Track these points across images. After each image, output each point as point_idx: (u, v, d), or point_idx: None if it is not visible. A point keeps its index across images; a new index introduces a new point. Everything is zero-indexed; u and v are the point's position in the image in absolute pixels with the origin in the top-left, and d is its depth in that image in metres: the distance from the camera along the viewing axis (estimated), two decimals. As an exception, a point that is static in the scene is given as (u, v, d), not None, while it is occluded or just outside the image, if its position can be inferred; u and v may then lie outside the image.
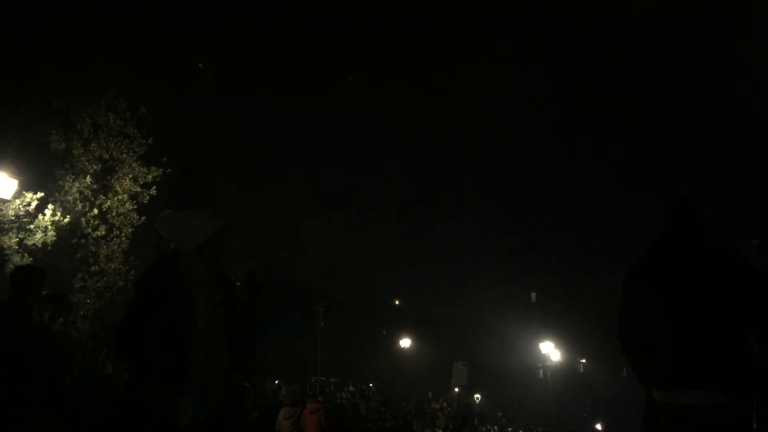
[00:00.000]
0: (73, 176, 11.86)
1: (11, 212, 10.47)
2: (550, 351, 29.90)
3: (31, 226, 10.82)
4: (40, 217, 10.96)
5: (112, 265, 12.27)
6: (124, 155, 12.65)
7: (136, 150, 12.87)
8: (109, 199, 12.39)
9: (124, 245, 12.63)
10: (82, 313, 11.65)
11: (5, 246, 10.38)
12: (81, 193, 11.93)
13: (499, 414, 27.70)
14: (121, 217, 12.58)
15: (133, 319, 2.44)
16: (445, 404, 25.49)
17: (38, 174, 11.27)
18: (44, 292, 4.09)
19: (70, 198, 11.74)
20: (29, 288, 3.76)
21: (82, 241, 11.89)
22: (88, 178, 12.02)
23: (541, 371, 30.16)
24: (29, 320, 3.74)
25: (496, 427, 21.17)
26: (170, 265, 2.58)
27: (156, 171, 13.18)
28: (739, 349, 2.30)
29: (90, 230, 12.02)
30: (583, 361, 33.59)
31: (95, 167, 12.23)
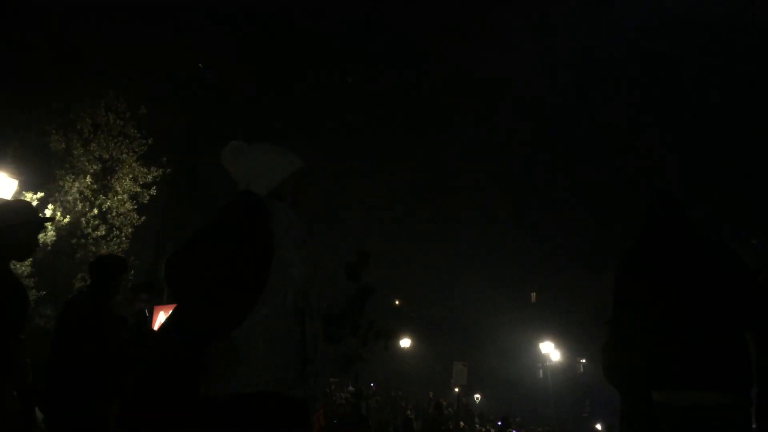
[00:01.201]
0: (73, 176, 11.88)
1: (11, 212, 10.48)
2: (550, 351, 29.90)
3: (31, 226, 10.82)
4: (40, 217, 10.97)
5: (112, 265, 12.27)
6: (124, 155, 12.67)
7: (136, 150, 12.89)
8: (109, 199, 12.41)
9: (124, 245, 12.63)
10: (82, 313, 11.65)
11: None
12: (81, 193, 11.94)
13: (517, 419, 27.57)
14: (121, 217, 12.60)
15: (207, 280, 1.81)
16: (445, 404, 25.51)
17: (38, 174, 11.29)
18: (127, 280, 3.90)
19: (70, 198, 11.76)
20: (111, 277, 3.66)
21: (82, 241, 11.90)
22: (88, 178, 12.04)
23: (541, 371, 30.16)
24: (111, 310, 3.62)
25: (492, 430, 21.16)
26: (253, 212, 1.95)
27: (156, 171, 13.19)
28: (738, 347, 2.30)
29: (90, 230, 12.02)
30: (583, 361, 33.56)
31: (95, 167, 12.25)
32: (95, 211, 12.14)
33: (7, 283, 2.81)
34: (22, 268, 10.58)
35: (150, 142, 13.16)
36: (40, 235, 10.86)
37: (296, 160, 2.17)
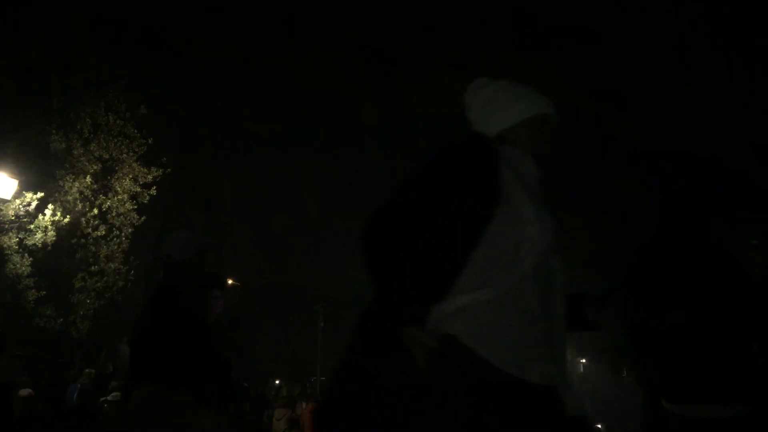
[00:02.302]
0: (73, 176, 11.87)
1: (11, 212, 10.48)
2: (550, 351, 29.89)
3: (31, 226, 10.83)
4: (40, 217, 10.97)
5: (112, 265, 12.28)
6: (124, 155, 12.66)
7: (136, 150, 12.88)
8: (109, 199, 12.41)
9: (124, 245, 12.64)
10: (82, 313, 11.66)
11: (5, 246, 10.39)
12: (81, 193, 11.94)
13: None
14: (121, 217, 12.60)
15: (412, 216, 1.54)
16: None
17: (38, 174, 11.29)
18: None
19: (70, 198, 11.75)
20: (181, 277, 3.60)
21: (82, 241, 11.90)
22: (88, 178, 12.03)
23: (541, 371, 30.12)
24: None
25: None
26: (474, 151, 1.63)
27: (156, 171, 13.19)
28: (746, 357, 2.27)
29: (90, 230, 12.02)
30: (583, 361, 33.58)
31: (95, 167, 12.24)
32: (95, 211, 12.14)
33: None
34: (22, 268, 10.58)
35: (150, 142, 13.15)
36: (41, 235, 10.90)
37: (535, 105, 1.78)
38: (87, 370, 9.33)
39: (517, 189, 1.57)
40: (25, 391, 7.45)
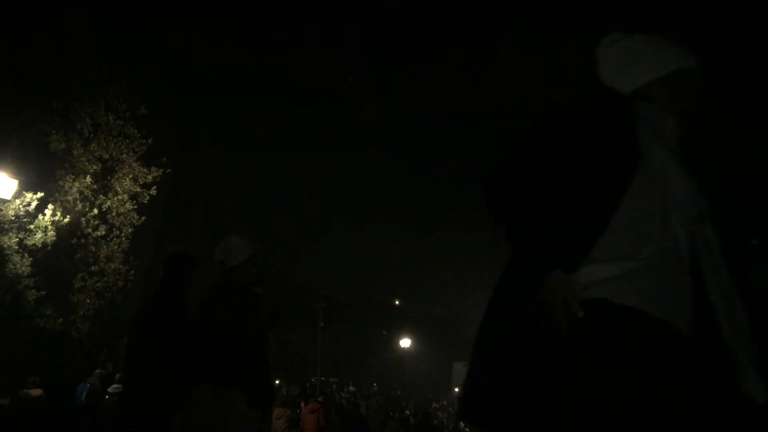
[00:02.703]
0: (73, 176, 11.87)
1: (11, 212, 10.48)
2: (550, 351, 29.91)
3: (31, 226, 10.83)
4: (40, 217, 10.97)
5: (112, 265, 12.27)
6: (124, 155, 12.65)
7: (136, 150, 12.87)
8: (109, 199, 12.40)
9: (124, 245, 12.63)
10: (82, 313, 11.65)
11: (5, 246, 10.39)
12: (81, 193, 11.94)
13: None
14: (121, 217, 12.59)
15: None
16: (445, 403, 25.54)
17: (38, 174, 11.29)
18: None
19: (70, 198, 11.75)
20: (182, 276, 3.58)
21: (82, 241, 11.90)
22: (88, 178, 12.03)
23: (541, 371, 30.15)
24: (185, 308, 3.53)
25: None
26: (608, 107, 1.49)
27: (156, 171, 13.18)
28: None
29: (90, 230, 12.02)
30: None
31: (95, 167, 12.23)
32: (95, 211, 12.13)
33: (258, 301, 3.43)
34: (22, 268, 10.58)
35: (150, 142, 13.15)
36: (41, 235, 10.91)
37: (674, 60, 1.60)
38: (97, 371, 9.33)
39: (657, 148, 1.44)
40: (36, 392, 7.49)
